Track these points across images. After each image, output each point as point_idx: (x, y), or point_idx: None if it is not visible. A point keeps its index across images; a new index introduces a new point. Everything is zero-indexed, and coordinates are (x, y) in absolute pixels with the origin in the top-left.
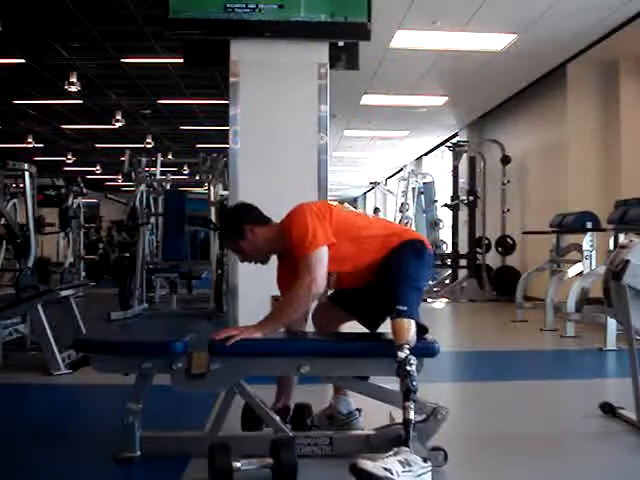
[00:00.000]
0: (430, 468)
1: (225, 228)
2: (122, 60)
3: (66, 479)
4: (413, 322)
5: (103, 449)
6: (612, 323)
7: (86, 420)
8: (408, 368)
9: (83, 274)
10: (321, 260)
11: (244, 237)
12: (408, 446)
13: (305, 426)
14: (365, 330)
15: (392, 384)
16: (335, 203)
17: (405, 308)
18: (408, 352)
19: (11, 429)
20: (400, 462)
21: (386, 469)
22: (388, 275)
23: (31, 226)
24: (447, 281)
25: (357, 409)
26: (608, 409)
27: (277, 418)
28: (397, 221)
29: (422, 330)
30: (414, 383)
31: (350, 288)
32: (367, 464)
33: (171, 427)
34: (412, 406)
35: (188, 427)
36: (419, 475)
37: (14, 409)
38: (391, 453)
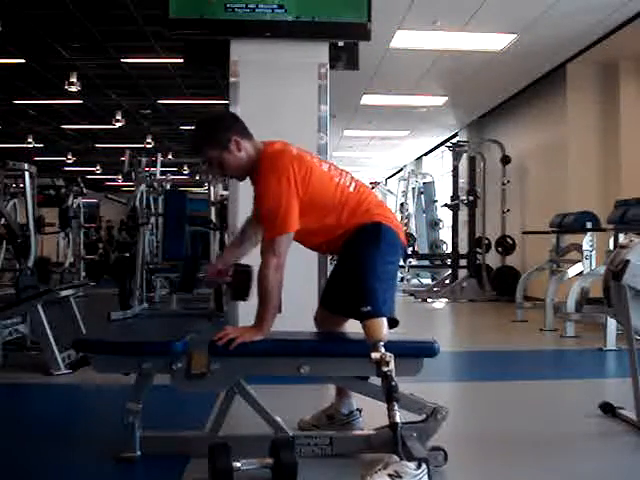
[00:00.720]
0: (424, 471)
1: (206, 136)
2: (122, 60)
3: (66, 479)
4: (383, 319)
5: (103, 449)
6: (612, 323)
7: (86, 420)
8: (385, 368)
9: (83, 274)
10: (288, 242)
11: (228, 149)
12: (398, 453)
13: None
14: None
15: None
16: (315, 160)
17: (369, 308)
18: (382, 350)
19: (11, 429)
20: (390, 475)
21: None
22: (349, 270)
23: (31, 226)
24: (447, 281)
25: (357, 409)
26: (608, 409)
27: (278, 419)
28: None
29: (392, 323)
30: (393, 384)
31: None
32: None
33: (171, 427)
34: (396, 408)
35: (188, 427)
36: None
37: (14, 409)
38: (380, 467)
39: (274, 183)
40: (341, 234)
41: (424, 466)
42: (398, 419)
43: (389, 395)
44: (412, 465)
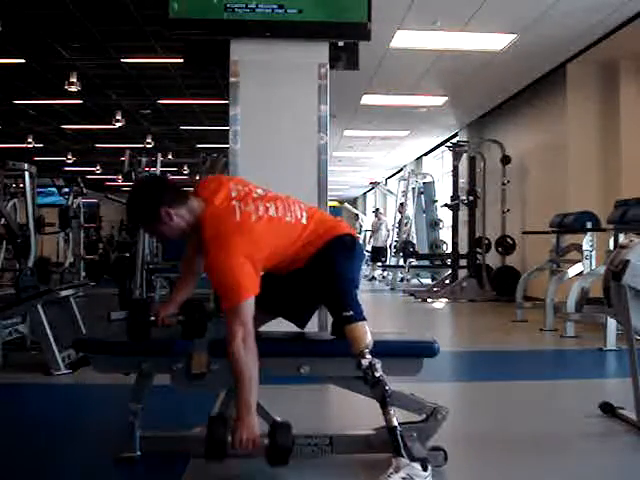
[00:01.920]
0: (430, 473)
1: (136, 213)
2: (122, 60)
3: (66, 479)
4: (364, 322)
5: (103, 449)
6: (612, 323)
7: (86, 420)
8: (376, 374)
9: (83, 274)
10: (251, 308)
11: (160, 223)
12: (403, 455)
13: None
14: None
15: (392, 384)
16: (261, 207)
17: (352, 313)
18: (370, 357)
19: (11, 429)
20: (403, 479)
21: None
22: (322, 279)
23: (31, 226)
24: (447, 281)
25: None
26: (608, 409)
27: (278, 419)
28: (397, 221)
29: None
30: (387, 388)
31: (270, 290)
32: None
33: (171, 427)
34: (392, 411)
35: (188, 427)
36: None
37: (14, 409)
38: (391, 470)
39: (222, 257)
40: (304, 257)
41: (429, 466)
42: (396, 422)
43: (384, 401)
44: (419, 466)
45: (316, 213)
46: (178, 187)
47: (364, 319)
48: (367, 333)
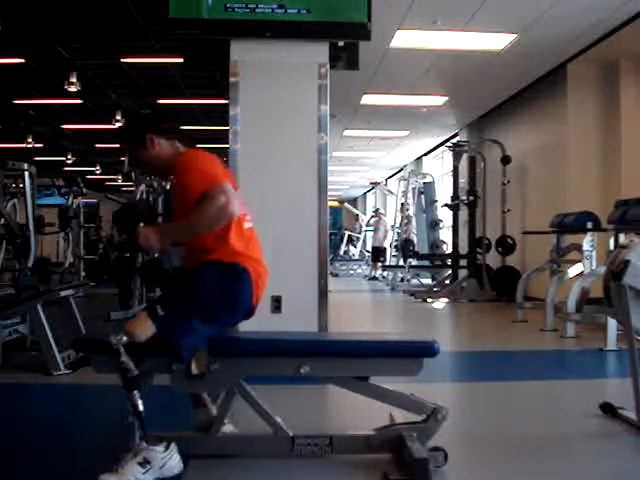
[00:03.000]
0: (172, 450)
1: (125, 133)
2: (122, 60)
3: (66, 479)
4: (153, 325)
5: (103, 449)
6: (612, 323)
7: (86, 420)
8: (122, 358)
9: (83, 274)
10: (230, 188)
11: (143, 147)
12: (142, 438)
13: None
14: (365, 330)
15: (392, 384)
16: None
17: (163, 313)
18: (123, 339)
19: (11, 429)
20: (140, 464)
21: None
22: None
23: (31, 226)
24: (447, 281)
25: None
26: (608, 409)
27: (278, 419)
28: (397, 221)
29: (176, 352)
30: (130, 373)
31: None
32: None
33: (171, 427)
34: (137, 395)
35: (188, 427)
36: (162, 467)
37: (14, 409)
38: (130, 455)
39: (195, 159)
40: (200, 251)
41: (172, 445)
42: (141, 407)
43: (124, 380)
44: (160, 448)
45: (252, 236)
46: (173, 124)
47: (157, 323)
48: (145, 330)
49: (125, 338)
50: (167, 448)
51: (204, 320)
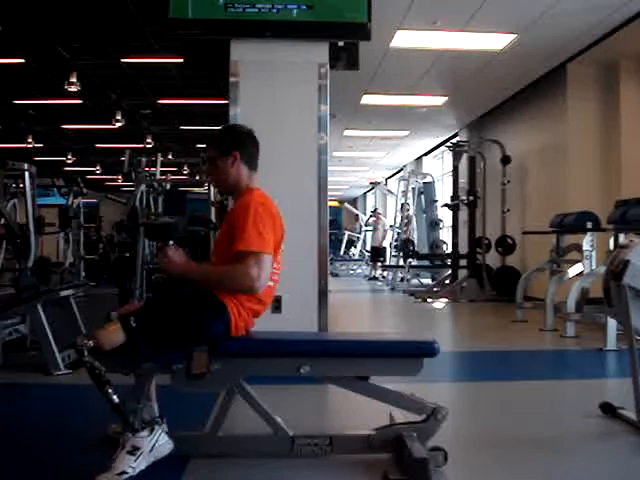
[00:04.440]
0: (158, 432)
1: (218, 137)
2: (122, 60)
3: (66, 479)
4: (123, 336)
5: (103, 449)
6: (612, 323)
7: (86, 420)
8: (85, 359)
9: (83, 274)
10: (269, 264)
11: (224, 158)
12: (128, 429)
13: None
14: (365, 330)
15: (392, 384)
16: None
17: (135, 325)
18: (89, 344)
19: (11, 429)
20: (129, 452)
21: (120, 473)
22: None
23: (31, 226)
24: (447, 281)
25: (160, 416)
26: (608, 409)
27: (278, 419)
28: (397, 221)
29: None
30: (97, 370)
31: None
32: (103, 478)
33: (171, 427)
34: (110, 390)
35: (188, 427)
36: (151, 450)
37: (14, 409)
38: (119, 448)
39: (260, 208)
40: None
41: (157, 427)
42: (116, 400)
43: (97, 383)
44: (145, 433)
45: (271, 290)
46: (257, 156)
47: (130, 334)
48: (114, 337)
49: (91, 343)
50: (152, 431)
51: (171, 338)
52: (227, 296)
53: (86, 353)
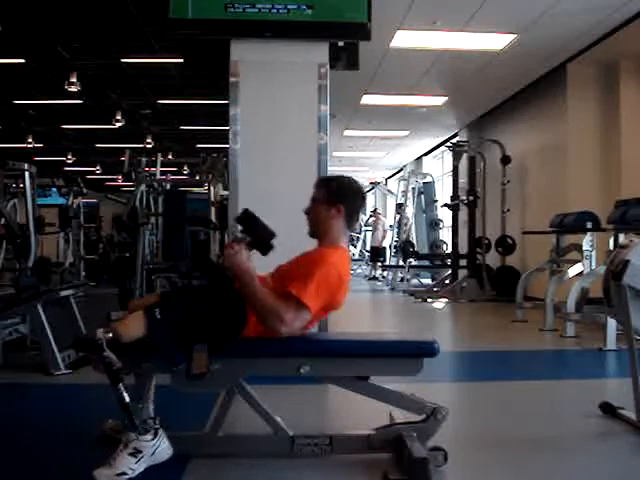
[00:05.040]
0: (161, 437)
1: (332, 183)
2: (122, 60)
3: (65, 479)
4: (144, 328)
5: (103, 449)
6: (612, 323)
7: (86, 420)
8: (104, 354)
9: (83, 274)
10: (305, 320)
11: (329, 207)
12: (133, 430)
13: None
14: (365, 330)
15: (392, 384)
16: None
17: (160, 317)
18: (108, 335)
19: (11, 429)
20: (131, 454)
21: (119, 474)
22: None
23: (31, 226)
24: (447, 281)
25: (153, 417)
26: (608, 409)
27: (278, 419)
28: (396, 221)
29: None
30: (114, 366)
31: None
32: (103, 478)
33: (171, 427)
34: (122, 388)
35: (188, 427)
36: (152, 454)
37: (14, 409)
38: (121, 447)
39: (332, 274)
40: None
41: (160, 431)
42: (127, 399)
43: (111, 378)
44: (149, 437)
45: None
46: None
47: (151, 329)
48: (134, 329)
49: (110, 335)
50: (155, 435)
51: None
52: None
53: (104, 345)
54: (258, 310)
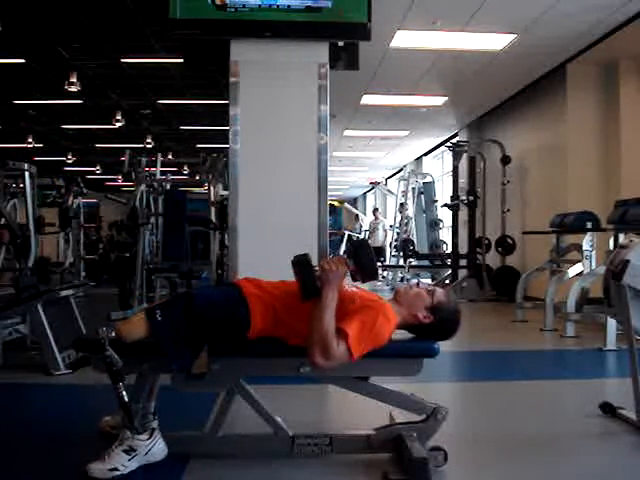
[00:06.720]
0: (156, 438)
1: (444, 314)
2: (122, 60)
3: (65, 478)
4: (146, 329)
5: (103, 449)
6: (612, 323)
7: (86, 420)
8: (107, 353)
9: (83, 274)
10: (343, 359)
11: (424, 315)
12: (130, 429)
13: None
14: None
15: (392, 384)
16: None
17: (161, 319)
18: (111, 334)
19: (11, 429)
20: (125, 451)
21: (111, 469)
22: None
23: (31, 226)
24: (447, 281)
25: (152, 412)
26: (608, 409)
27: (278, 419)
28: (397, 221)
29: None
30: (115, 365)
31: None
32: (95, 471)
33: (171, 427)
34: (122, 387)
35: (188, 427)
36: (146, 453)
37: (14, 409)
38: (117, 443)
39: (382, 324)
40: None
41: (156, 432)
42: (127, 398)
43: (110, 373)
44: (144, 437)
45: None
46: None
47: (158, 334)
48: (137, 330)
49: (113, 334)
50: (151, 436)
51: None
52: (260, 304)
53: (107, 344)
54: (316, 331)
